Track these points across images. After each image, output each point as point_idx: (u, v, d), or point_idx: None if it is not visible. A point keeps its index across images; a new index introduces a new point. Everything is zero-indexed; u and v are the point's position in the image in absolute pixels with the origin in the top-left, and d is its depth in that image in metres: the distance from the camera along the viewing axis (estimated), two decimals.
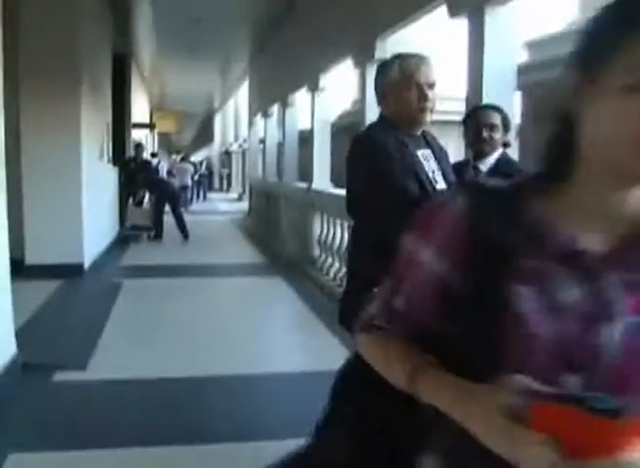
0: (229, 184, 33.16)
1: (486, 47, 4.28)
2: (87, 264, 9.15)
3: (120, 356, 5.48)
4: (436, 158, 2.80)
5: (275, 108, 14.20)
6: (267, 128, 15.41)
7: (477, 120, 3.48)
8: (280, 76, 13.09)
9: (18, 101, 8.16)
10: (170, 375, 4.97)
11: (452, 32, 5.59)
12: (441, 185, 2.72)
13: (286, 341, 6.18)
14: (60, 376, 4.87)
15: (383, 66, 2.89)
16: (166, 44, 15.88)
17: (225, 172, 34.29)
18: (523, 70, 4.85)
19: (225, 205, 24.12)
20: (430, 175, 2.73)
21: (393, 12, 6.06)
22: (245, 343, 5.91)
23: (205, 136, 42.05)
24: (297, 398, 4.42)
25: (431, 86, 2.75)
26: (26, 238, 8.49)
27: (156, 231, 13.51)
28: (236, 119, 30.33)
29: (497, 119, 3.46)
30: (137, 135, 18.59)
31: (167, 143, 45.11)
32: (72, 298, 7.79)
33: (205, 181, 29.41)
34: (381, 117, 2.86)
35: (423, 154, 2.76)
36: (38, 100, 8.45)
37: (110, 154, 12.29)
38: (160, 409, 4.33)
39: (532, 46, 5.18)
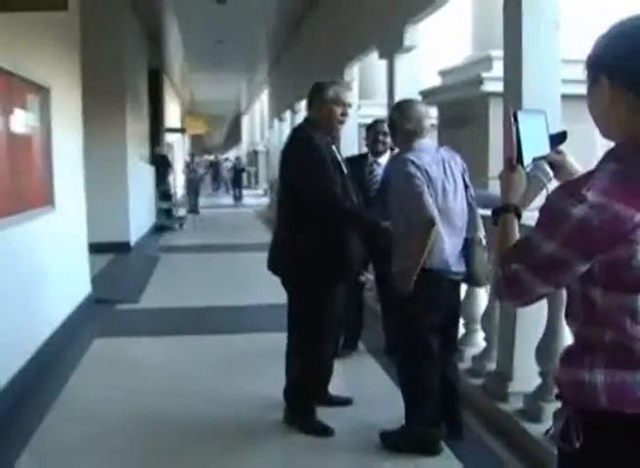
0: (257, 181, 35.27)
1: (396, 78, 6.92)
2: (133, 243, 11.64)
3: (161, 295, 8.08)
4: (339, 152, 3.92)
5: (288, 114, 16.54)
6: (282, 130, 17.72)
7: (376, 129, 5.05)
8: (288, 87, 15.52)
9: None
10: (194, 305, 7.47)
11: None
12: (345, 171, 3.83)
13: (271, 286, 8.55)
14: (122, 306, 7.39)
15: (321, 86, 3.85)
16: (194, 60, 18.30)
17: (253, 169, 36.19)
18: (437, 91, 6.99)
19: (252, 199, 25.92)
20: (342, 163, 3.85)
21: (352, 49, 8.86)
22: (245, 287, 8.36)
23: (234, 136, 44.48)
24: (273, 315, 6.38)
25: (350, 106, 3.87)
26: (87, 221, 10.85)
27: (195, 208, 18.66)
28: (262, 120, 31.77)
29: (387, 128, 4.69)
30: (171, 138, 21.04)
31: (200, 144, 47.45)
32: (125, 263, 10.57)
33: (239, 180, 26.48)
34: (308, 120, 3.85)
35: (335, 148, 3.85)
36: (93, 113, 10.71)
37: (148, 155, 14.76)
38: (190, 319, 6.91)
39: (443, 73, 7.23)
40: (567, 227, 1.38)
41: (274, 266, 3.89)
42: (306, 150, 3.67)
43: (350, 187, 3.83)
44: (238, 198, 25.43)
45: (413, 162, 3.34)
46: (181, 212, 17.08)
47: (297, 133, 3.87)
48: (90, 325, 6.49)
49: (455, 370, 3.84)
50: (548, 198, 1.46)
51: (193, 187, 19.89)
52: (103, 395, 4.61)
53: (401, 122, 3.51)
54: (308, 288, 3.74)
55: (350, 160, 4.68)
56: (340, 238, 3.70)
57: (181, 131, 24.66)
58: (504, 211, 1.65)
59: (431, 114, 3.62)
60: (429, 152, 3.47)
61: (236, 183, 26.18)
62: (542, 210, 1.46)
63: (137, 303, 7.55)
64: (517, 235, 1.61)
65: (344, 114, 3.81)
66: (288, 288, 3.88)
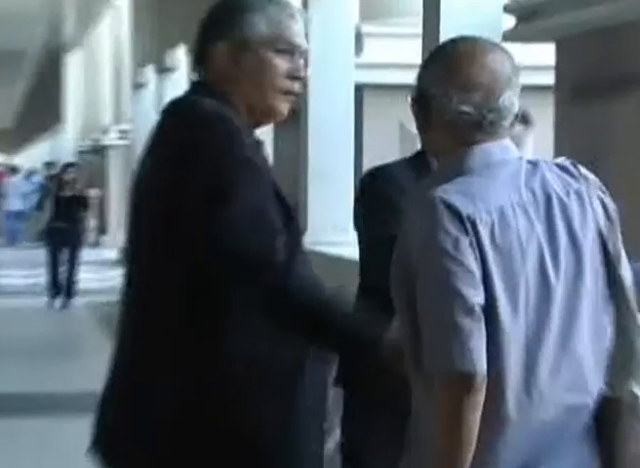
0: (101, 228, 35.00)
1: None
2: None
3: None
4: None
5: (182, 57, 16.56)
6: (165, 96, 17.61)
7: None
8: None
9: None
10: None
11: None
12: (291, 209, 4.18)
13: None
14: None
15: (233, 6, 4.31)
16: None
17: (96, 195, 35.00)
18: (551, 8, 6.86)
19: (89, 275, 26.16)
20: None
21: None
22: None
23: (45, 109, 44.54)
24: None
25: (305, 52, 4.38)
26: None
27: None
28: (116, 68, 32.53)
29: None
30: None
31: None
32: None
33: (72, 230, 25.63)
34: (204, 86, 4.22)
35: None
36: None
37: None
38: None
39: None
40: None
41: (115, 453, 4.06)
42: (232, 149, 3.89)
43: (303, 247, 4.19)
44: (66, 290, 24.87)
45: (447, 204, 3.24)
46: None
47: (190, 108, 4.05)
48: None
49: None
50: None
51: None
52: None
53: (444, 96, 3.39)
54: None
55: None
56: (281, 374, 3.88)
57: None
58: None
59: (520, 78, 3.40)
60: (504, 173, 3.41)
61: (57, 238, 25.02)
62: None
63: None
64: None
65: (298, 74, 4.20)
66: None
